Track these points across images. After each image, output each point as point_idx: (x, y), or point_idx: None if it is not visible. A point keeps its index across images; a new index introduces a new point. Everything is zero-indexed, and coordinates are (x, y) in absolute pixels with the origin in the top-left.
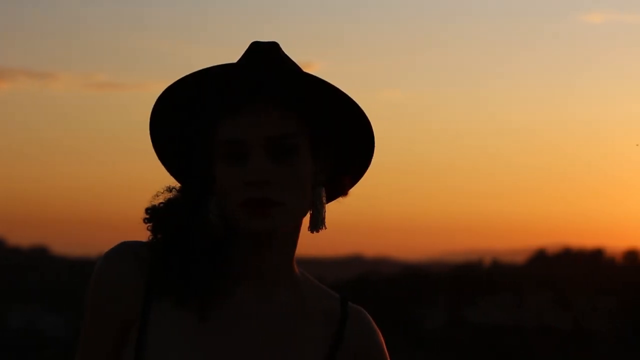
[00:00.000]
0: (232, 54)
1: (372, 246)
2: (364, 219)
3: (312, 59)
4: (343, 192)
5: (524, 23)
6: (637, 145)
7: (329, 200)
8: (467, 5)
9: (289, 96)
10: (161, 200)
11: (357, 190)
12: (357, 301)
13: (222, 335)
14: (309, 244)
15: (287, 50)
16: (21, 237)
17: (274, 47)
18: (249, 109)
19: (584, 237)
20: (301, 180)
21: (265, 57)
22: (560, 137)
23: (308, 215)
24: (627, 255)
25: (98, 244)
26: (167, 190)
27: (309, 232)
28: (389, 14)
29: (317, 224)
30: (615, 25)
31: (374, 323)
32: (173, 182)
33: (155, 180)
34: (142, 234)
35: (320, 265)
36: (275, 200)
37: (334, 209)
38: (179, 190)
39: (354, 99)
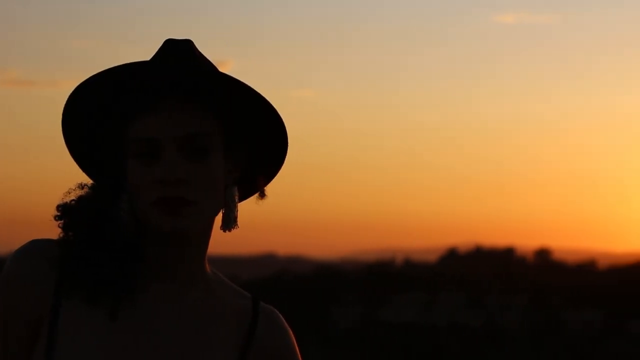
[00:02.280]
0: (147, 52)
1: (285, 245)
2: (277, 218)
3: (226, 57)
4: (256, 191)
5: (437, 23)
6: None
7: (242, 199)
8: (379, 5)
9: (202, 95)
10: (73, 198)
11: (270, 189)
12: (270, 300)
13: (133, 334)
14: (222, 242)
15: (201, 48)
16: None
17: (187, 44)
18: (162, 107)
19: (495, 236)
20: (214, 179)
21: (178, 54)
22: (471, 136)
23: (220, 214)
24: (537, 254)
25: (10, 241)
26: (79, 187)
27: (221, 231)
28: (303, 14)
29: (229, 223)
30: (527, 26)
31: (285, 322)
32: (86, 179)
33: (68, 177)
34: (54, 231)
35: (233, 264)
36: (188, 199)
37: (247, 208)
38: (91, 188)
39: (268, 98)
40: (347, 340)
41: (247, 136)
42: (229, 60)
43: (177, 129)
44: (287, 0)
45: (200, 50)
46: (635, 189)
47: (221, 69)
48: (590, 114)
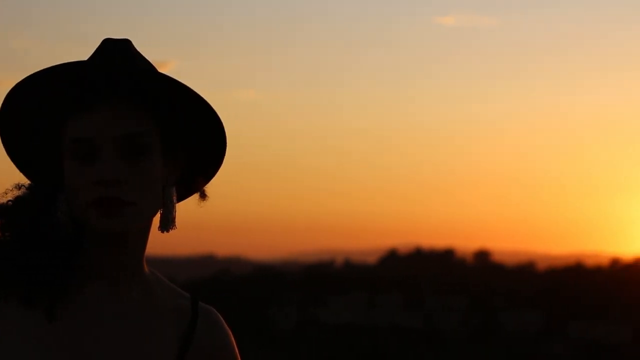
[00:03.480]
0: (86, 52)
1: (224, 246)
2: (216, 219)
3: (167, 58)
4: (195, 192)
5: (379, 25)
6: None
7: (181, 199)
8: (321, 6)
9: (140, 95)
10: (10, 198)
11: (209, 190)
12: (209, 301)
13: (71, 335)
14: (161, 243)
15: (142, 48)
16: None
17: (125, 44)
18: (100, 107)
19: (435, 238)
20: (152, 180)
21: (116, 54)
22: (411, 138)
23: (159, 215)
24: (477, 255)
25: None
26: (16, 187)
27: (159, 231)
28: (244, 15)
29: (168, 224)
30: (467, 28)
31: (224, 323)
32: (23, 180)
33: (5, 178)
34: None
35: (172, 265)
36: (126, 200)
37: (186, 209)
38: (29, 188)
39: (209, 99)
40: (286, 341)
41: (185, 137)
42: (170, 60)
43: (114, 129)
44: (228, 1)
45: (141, 51)
46: (573, 190)
47: (162, 70)
48: (529, 115)
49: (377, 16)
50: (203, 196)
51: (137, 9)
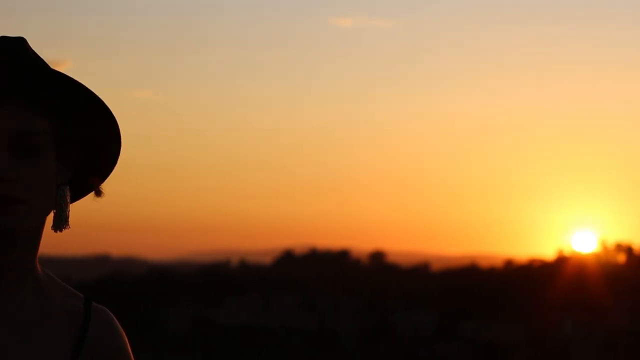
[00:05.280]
0: None
1: (118, 246)
2: (111, 219)
3: (63, 57)
4: (89, 192)
5: (275, 25)
6: None
7: (75, 199)
8: (218, 6)
9: (35, 93)
10: None
11: (104, 190)
12: (103, 301)
13: None
14: (55, 243)
15: (38, 47)
16: None
17: (20, 42)
18: None
19: (330, 238)
20: (45, 178)
21: (11, 53)
22: (307, 138)
23: (52, 214)
24: (372, 256)
25: None
26: None
27: (53, 231)
28: (143, 15)
29: (61, 224)
30: (364, 29)
31: (117, 323)
32: None
33: None
34: None
35: (65, 265)
36: (17, 198)
37: (80, 208)
38: None
39: (105, 98)
40: (181, 341)
41: (80, 136)
42: (67, 59)
43: (7, 126)
44: (126, 0)
45: (36, 50)
46: (467, 192)
47: (58, 69)
48: (423, 116)
49: (273, 16)
50: (99, 193)
51: (33, 6)
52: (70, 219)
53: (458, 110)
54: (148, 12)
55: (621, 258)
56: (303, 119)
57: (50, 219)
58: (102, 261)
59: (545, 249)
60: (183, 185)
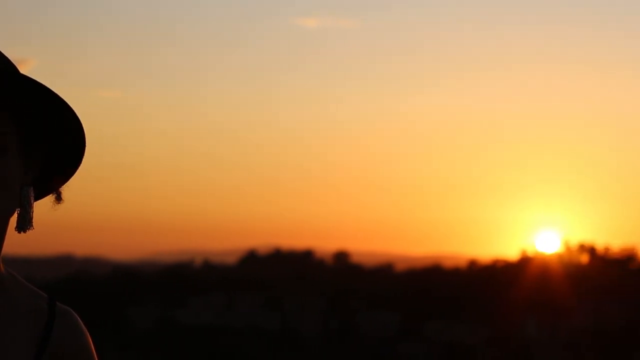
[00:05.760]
0: None
1: (82, 246)
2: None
3: (27, 56)
4: (53, 191)
5: (239, 25)
6: None
7: (38, 199)
8: (183, 6)
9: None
10: None
11: (68, 190)
12: (67, 301)
13: None
14: (18, 243)
15: (1, 45)
16: None
17: None
18: None
19: (294, 238)
20: (9, 179)
21: None
22: (271, 138)
23: (15, 215)
24: (336, 256)
25: None
26: None
27: (16, 231)
28: (109, 13)
29: (25, 224)
30: (329, 30)
31: (81, 323)
32: None
33: None
34: None
35: (29, 265)
36: None
37: (44, 209)
38: None
39: (70, 98)
40: (144, 342)
41: (44, 136)
42: (30, 58)
43: None
44: None
45: (1, 48)
46: (431, 192)
47: (21, 68)
48: (387, 116)
49: (238, 16)
50: (59, 199)
51: None
52: (33, 219)
53: (422, 110)
54: (115, 11)
55: (584, 258)
56: (267, 119)
57: (13, 219)
58: (65, 261)
59: (508, 249)
60: (147, 185)
